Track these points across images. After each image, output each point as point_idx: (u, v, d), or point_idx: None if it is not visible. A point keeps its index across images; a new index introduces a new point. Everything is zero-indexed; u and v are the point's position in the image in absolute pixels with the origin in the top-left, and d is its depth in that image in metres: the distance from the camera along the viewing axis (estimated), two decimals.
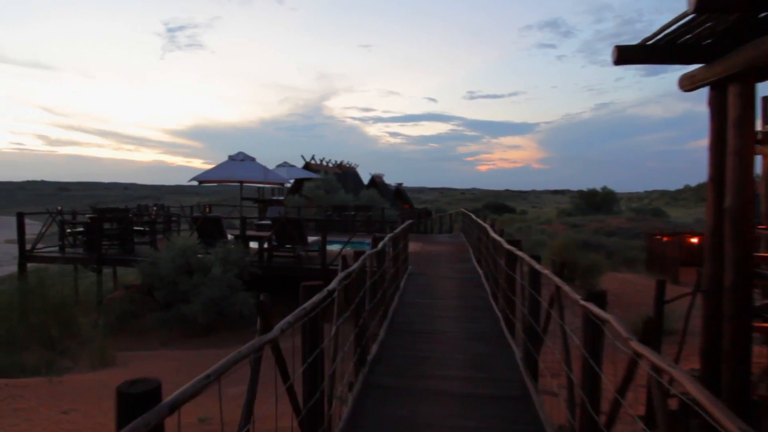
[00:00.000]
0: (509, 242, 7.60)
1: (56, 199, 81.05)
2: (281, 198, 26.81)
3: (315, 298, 3.73)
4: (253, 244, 13.33)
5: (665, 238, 25.80)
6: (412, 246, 17.07)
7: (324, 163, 35.27)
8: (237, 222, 24.55)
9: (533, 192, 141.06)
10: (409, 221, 12.69)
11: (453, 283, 11.22)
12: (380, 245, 7.40)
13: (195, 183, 13.77)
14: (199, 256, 12.16)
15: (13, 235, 14.68)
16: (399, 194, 59.08)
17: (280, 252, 13.27)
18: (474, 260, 14.00)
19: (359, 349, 5.81)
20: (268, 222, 21.59)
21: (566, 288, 4.12)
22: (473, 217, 14.59)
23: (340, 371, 4.95)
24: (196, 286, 11.42)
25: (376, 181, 49.38)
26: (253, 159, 13.57)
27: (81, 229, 14.74)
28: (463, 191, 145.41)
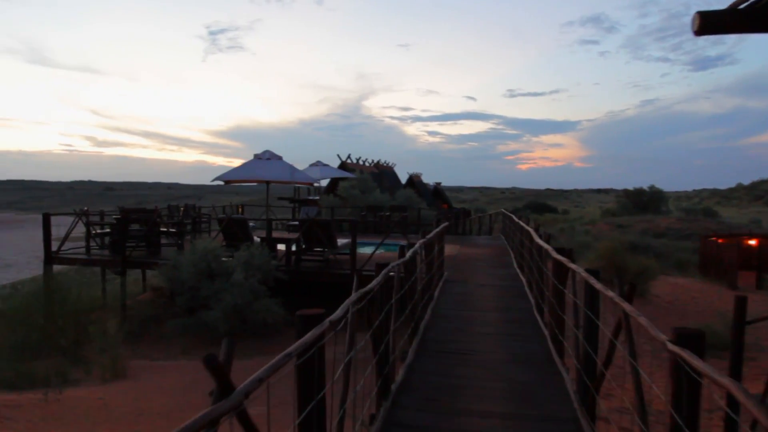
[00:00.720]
0: (558, 251, 6.56)
1: (103, 199, 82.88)
2: (315, 198, 26.13)
3: (309, 336, 2.83)
4: (282, 247, 12.59)
5: (720, 240, 24.01)
6: (449, 249, 16.05)
7: (360, 163, 34.51)
8: (272, 223, 24.01)
9: (575, 191, 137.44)
10: (445, 224, 11.70)
11: (493, 291, 10.19)
12: (409, 254, 6.46)
13: (221, 183, 13.09)
14: (224, 259, 11.46)
15: (59, 234, 14.33)
16: (437, 194, 57.89)
17: (308, 255, 12.46)
18: (515, 265, 12.91)
19: (381, 379, 4.89)
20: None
21: (643, 320, 3.10)
22: (514, 218, 13.51)
23: (360, 397, 4.06)
24: (218, 292, 10.71)
25: (414, 181, 48.36)
26: (279, 157, 12.81)
27: (107, 230, 14.26)
28: (503, 190, 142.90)
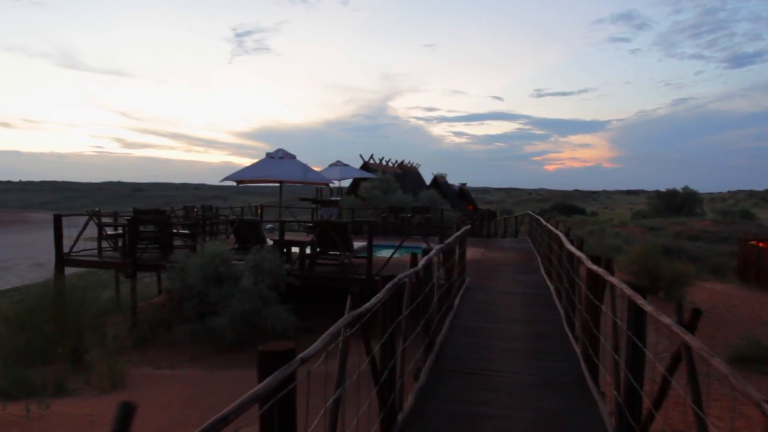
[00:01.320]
0: (594, 259, 5.74)
1: (131, 199, 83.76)
2: (336, 199, 25.52)
3: (273, 378, 2.11)
4: (297, 250, 11.95)
5: (762, 244, 22.68)
6: (472, 252, 15.23)
7: (383, 163, 33.81)
8: (294, 225, 23.49)
9: (604, 192, 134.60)
10: (466, 226, 10.91)
11: (518, 300, 9.36)
12: (422, 262, 5.70)
13: (232, 183, 12.52)
14: (234, 262, 10.86)
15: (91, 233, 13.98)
16: (462, 195, 56.93)
17: (323, 259, 11.78)
18: (543, 271, 12.05)
19: (384, 410, 4.16)
20: None
21: (722, 366, 2.29)
22: (542, 221, 12.64)
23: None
24: (225, 298, 10.10)
25: (439, 181, 47.47)
26: (293, 156, 12.17)
27: (120, 231, 13.80)
28: (529, 191, 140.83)
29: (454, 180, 56.98)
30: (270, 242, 12.13)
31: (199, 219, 13.69)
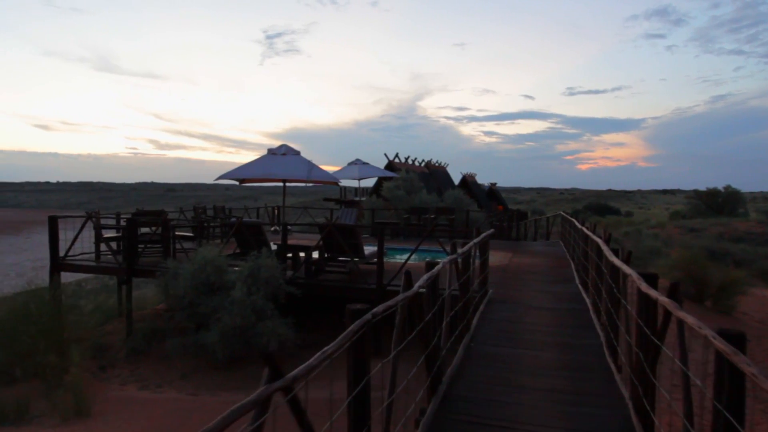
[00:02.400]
0: (647, 277, 4.31)
1: (164, 200, 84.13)
2: (356, 199, 24.28)
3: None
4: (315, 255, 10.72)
5: None
6: (498, 257, 13.77)
7: (409, 162, 32.44)
8: (308, 228, 22.34)
9: (639, 192, 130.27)
10: (488, 231, 9.49)
11: (549, 318, 7.91)
12: (421, 281, 4.36)
13: (235, 182, 11.35)
14: (237, 268, 9.66)
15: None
16: (492, 195, 55.23)
17: (330, 266, 10.52)
18: (577, 281, 10.54)
19: None
20: None
21: None
22: (576, 224, 11.12)
23: None
24: (216, 310, 8.92)
25: (468, 181, 45.89)
26: (297, 152, 10.93)
27: (118, 234, 12.78)
28: (561, 191, 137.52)
29: (484, 180, 55.17)
30: (275, 247, 10.93)
31: (204, 221, 12.51)
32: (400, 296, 3.76)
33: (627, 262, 5.50)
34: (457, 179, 44.09)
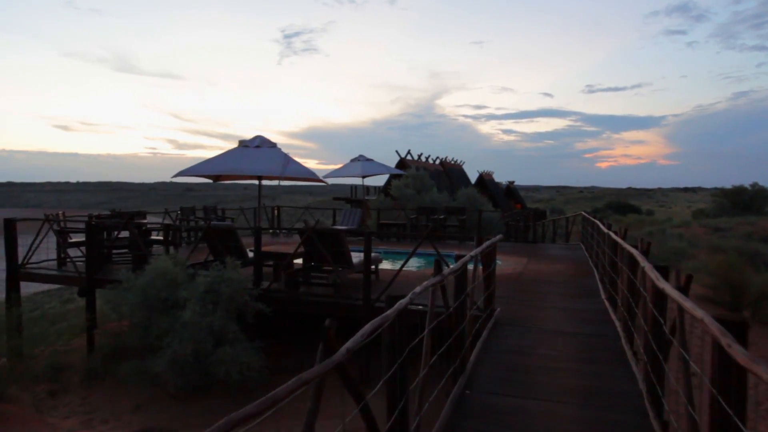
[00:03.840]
0: (730, 326, 2.60)
1: (182, 199, 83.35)
2: (361, 199, 22.68)
3: None
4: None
5: None
6: (511, 263, 12.02)
7: (423, 159, 30.73)
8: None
9: (659, 190, 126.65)
10: (497, 237, 7.77)
11: (570, 347, 6.18)
12: (390, 313, 2.73)
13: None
14: (205, 277, 8.07)
15: None
16: (510, 193, 53.27)
17: (316, 277, 8.91)
18: (603, 294, 8.77)
19: None
20: (342, 229, 17.41)
21: None
22: (602, 227, 9.32)
23: None
24: (167, 333, 7.36)
25: (485, 179, 44.06)
26: (272, 145, 9.32)
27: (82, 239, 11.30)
28: (581, 189, 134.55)
29: (502, 178, 53.16)
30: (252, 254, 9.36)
31: (170, 225, 10.93)
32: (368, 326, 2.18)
33: (686, 288, 3.78)
34: (473, 178, 42.25)
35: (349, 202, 28.00)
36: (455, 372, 5.05)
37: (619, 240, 6.86)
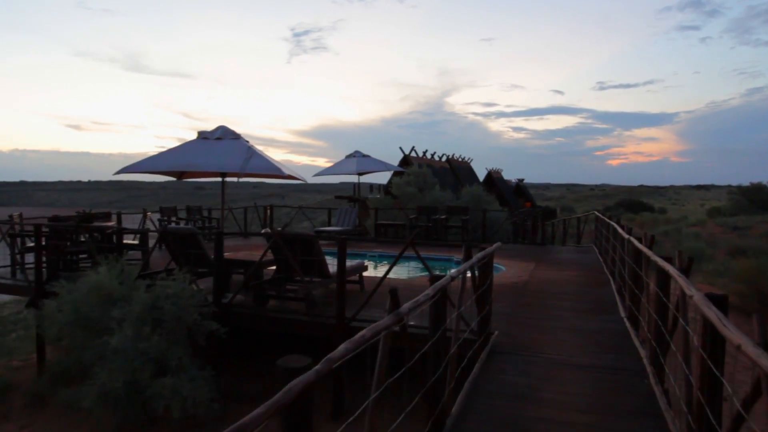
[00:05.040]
0: None
1: (193, 197, 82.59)
2: (361, 198, 21.33)
3: None
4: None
5: None
6: (516, 269, 10.62)
7: (428, 156, 29.29)
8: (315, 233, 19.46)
9: (672, 187, 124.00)
10: (496, 244, 6.36)
11: (584, 387, 4.79)
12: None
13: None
14: (148, 291, 6.77)
15: None
16: (520, 191, 51.67)
17: (289, 289, 7.58)
18: (621, 311, 7.34)
19: None
20: (336, 230, 16.08)
21: None
22: (620, 231, 7.86)
23: None
24: (101, 358, 6.07)
25: (493, 177, 42.57)
26: (236, 137, 7.99)
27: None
28: (592, 187, 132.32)
29: (512, 176, 51.53)
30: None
31: (112, 229, 9.57)
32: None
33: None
34: (482, 175, 40.73)
35: (351, 200, 26.71)
36: (435, 427, 3.70)
37: (645, 250, 5.44)
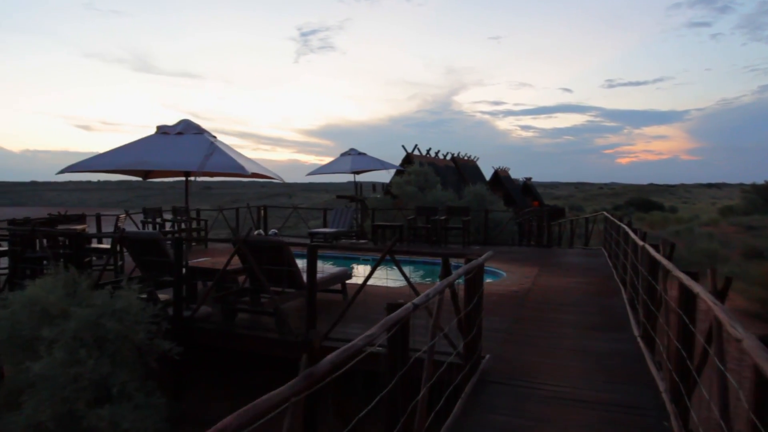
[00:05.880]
0: None
1: (200, 197, 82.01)
2: (361, 197, 20.43)
3: None
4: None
5: None
6: (518, 275, 9.68)
7: (431, 155, 28.33)
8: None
9: (682, 186, 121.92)
10: (487, 253, 5.42)
11: (590, 429, 3.87)
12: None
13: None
14: (87, 307, 5.92)
15: None
16: (527, 190, 50.56)
17: (258, 302, 6.71)
18: (635, 328, 6.39)
19: None
20: (330, 231, 15.20)
21: None
22: (633, 236, 6.88)
23: None
24: (30, 385, 5.22)
25: (500, 176, 41.55)
26: (199, 132, 7.10)
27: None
28: (601, 186, 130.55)
29: (520, 174, 50.45)
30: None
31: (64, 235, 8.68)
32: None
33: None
34: (489, 174, 39.69)
35: (353, 200, 25.86)
36: None
37: (664, 262, 4.50)
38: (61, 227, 10.09)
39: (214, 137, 7.40)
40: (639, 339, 5.88)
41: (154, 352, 5.69)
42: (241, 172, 6.48)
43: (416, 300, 2.98)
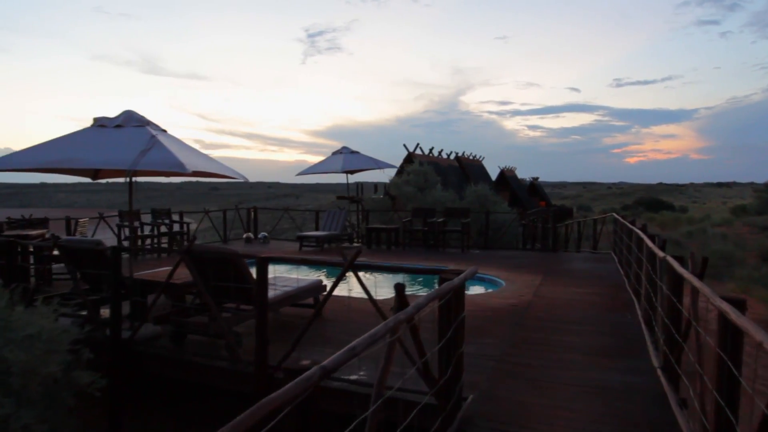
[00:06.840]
0: None
1: (208, 198, 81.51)
2: (357, 198, 19.42)
3: None
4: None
5: None
6: (518, 285, 8.59)
7: (433, 154, 27.24)
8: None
9: (692, 185, 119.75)
10: (471, 269, 4.38)
11: None
12: None
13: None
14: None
15: None
16: (534, 190, 49.32)
17: (199, 318, 5.69)
18: (652, 354, 5.29)
19: None
20: (321, 234, 14.19)
21: None
22: (651, 245, 5.74)
23: None
24: None
25: (506, 176, 40.41)
26: (142, 124, 6.03)
27: None
28: (609, 185, 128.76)
29: (527, 174, 49.23)
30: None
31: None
32: None
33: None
34: (495, 174, 38.55)
35: (353, 201, 24.86)
36: None
37: (694, 281, 3.42)
38: (16, 233, 9.16)
39: (164, 131, 6.39)
40: (659, 371, 4.78)
41: (72, 386, 4.69)
42: (179, 170, 5.47)
43: (358, 341, 1.93)
